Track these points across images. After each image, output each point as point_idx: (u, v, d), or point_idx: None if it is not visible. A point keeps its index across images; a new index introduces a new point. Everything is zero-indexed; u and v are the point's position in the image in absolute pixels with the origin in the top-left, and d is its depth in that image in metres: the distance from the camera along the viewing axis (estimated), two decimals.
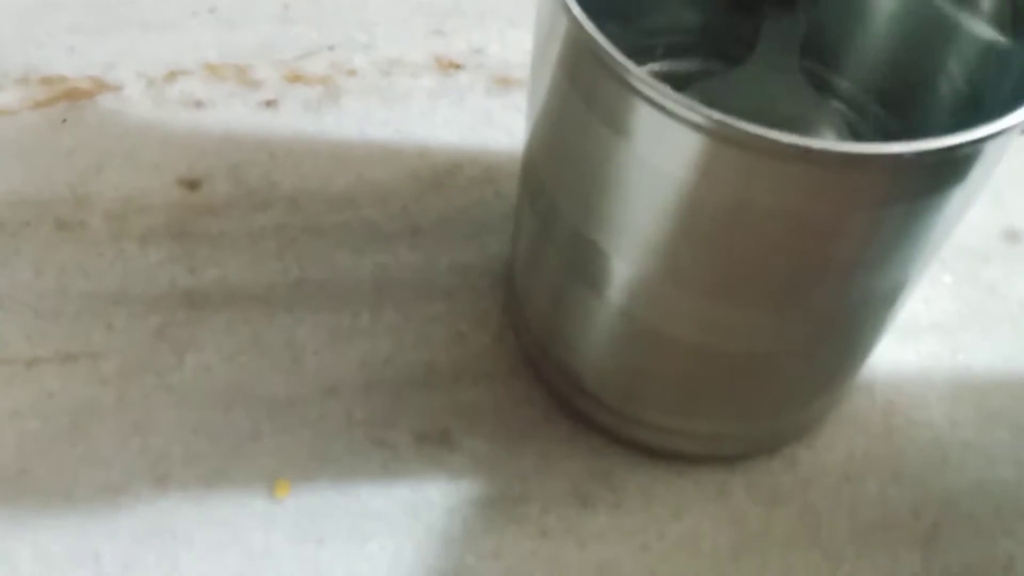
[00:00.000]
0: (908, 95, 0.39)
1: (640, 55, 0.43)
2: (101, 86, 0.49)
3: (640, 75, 0.30)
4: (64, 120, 0.48)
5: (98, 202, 0.46)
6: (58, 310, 0.43)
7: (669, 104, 0.30)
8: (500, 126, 0.49)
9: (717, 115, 0.29)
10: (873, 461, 0.43)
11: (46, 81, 0.49)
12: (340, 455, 0.41)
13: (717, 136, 0.30)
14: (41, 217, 0.45)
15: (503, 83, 0.50)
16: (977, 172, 0.32)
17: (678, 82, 0.43)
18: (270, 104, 0.49)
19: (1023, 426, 0.44)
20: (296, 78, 0.50)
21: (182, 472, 0.41)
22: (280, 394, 0.42)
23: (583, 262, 0.38)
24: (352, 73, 0.50)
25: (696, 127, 0.30)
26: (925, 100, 0.38)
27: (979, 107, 0.35)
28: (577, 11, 0.31)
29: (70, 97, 0.48)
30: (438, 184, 0.47)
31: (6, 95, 0.48)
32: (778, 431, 0.42)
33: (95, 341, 0.43)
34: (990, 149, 0.31)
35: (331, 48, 0.51)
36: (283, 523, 0.40)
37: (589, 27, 0.30)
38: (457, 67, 0.51)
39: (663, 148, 0.32)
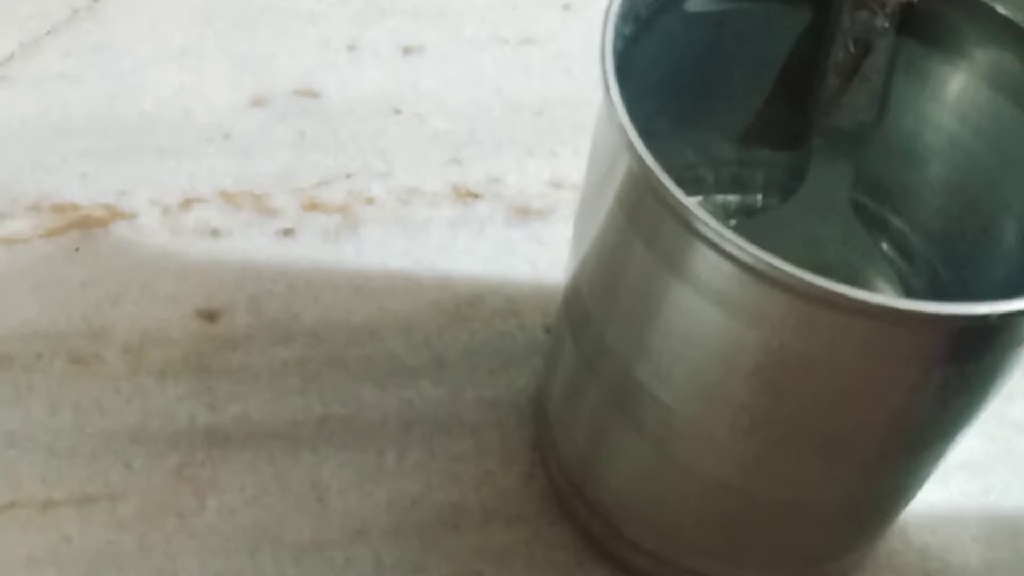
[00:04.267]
0: (962, 244, 0.39)
1: (686, 185, 0.43)
2: (115, 214, 0.48)
3: (704, 218, 0.29)
4: (77, 249, 0.47)
5: (114, 335, 0.44)
6: (74, 449, 0.42)
7: (733, 250, 0.29)
8: (521, 256, 0.49)
9: (781, 264, 0.28)
10: None
11: (58, 209, 0.47)
12: None
13: (778, 284, 0.29)
14: (55, 351, 0.44)
15: (522, 213, 0.50)
16: None
17: (724, 215, 0.44)
18: (288, 233, 0.48)
19: None
20: (313, 206, 0.49)
21: None
22: (306, 537, 0.41)
23: (628, 399, 0.37)
24: (370, 201, 0.49)
25: (758, 274, 0.29)
26: (979, 252, 0.39)
27: None
28: (642, 150, 0.30)
29: (83, 225, 0.47)
30: (461, 316, 0.47)
31: (17, 223, 0.47)
32: None
33: (113, 482, 0.41)
34: None
35: (348, 176, 0.50)
36: None
37: (654, 166, 0.30)
38: (475, 196, 0.50)
39: (722, 291, 0.31)
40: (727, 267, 0.30)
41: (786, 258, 0.38)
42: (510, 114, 0.53)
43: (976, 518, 0.44)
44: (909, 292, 0.41)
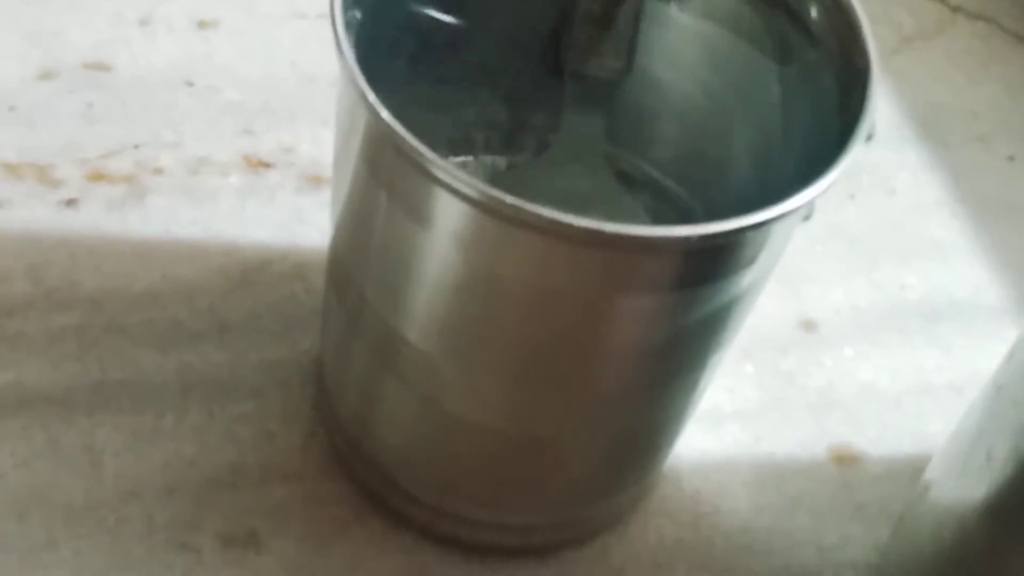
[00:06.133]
0: (707, 181, 0.41)
1: (461, 147, 0.44)
2: None
3: (437, 161, 0.30)
4: None
5: None
6: None
7: (466, 189, 0.30)
8: (311, 223, 0.49)
9: (511, 199, 0.29)
10: (682, 548, 0.43)
11: None
12: (140, 562, 0.40)
13: (511, 220, 0.30)
14: None
15: (314, 181, 0.50)
16: (763, 257, 0.33)
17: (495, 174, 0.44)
18: (71, 203, 0.48)
19: (822, 511, 0.45)
20: (99, 177, 0.49)
21: None
22: (78, 500, 0.41)
23: (390, 353, 0.37)
24: (158, 172, 0.49)
25: (491, 211, 0.30)
26: (721, 186, 0.40)
27: (767, 193, 0.36)
28: (374, 100, 0.31)
29: None
30: (247, 281, 0.47)
31: None
32: (589, 521, 0.43)
33: None
34: (769, 234, 0.33)
35: (136, 147, 0.50)
36: None
37: (386, 116, 0.31)
38: (267, 166, 0.50)
39: (462, 234, 0.32)
40: (462, 207, 0.31)
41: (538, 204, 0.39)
42: (305, 86, 0.54)
43: (747, 464, 0.46)
44: None
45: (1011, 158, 0.57)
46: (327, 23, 0.58)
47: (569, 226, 0.29)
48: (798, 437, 0.47)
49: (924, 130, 0.57)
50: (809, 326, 0.50)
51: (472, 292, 0.34)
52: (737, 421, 0.47)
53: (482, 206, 0.30)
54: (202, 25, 0.54)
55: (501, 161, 0.44)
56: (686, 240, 0.30)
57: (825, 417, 0.47)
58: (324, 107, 0.53)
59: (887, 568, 0.42)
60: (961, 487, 0.37)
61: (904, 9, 0.62)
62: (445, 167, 0.30)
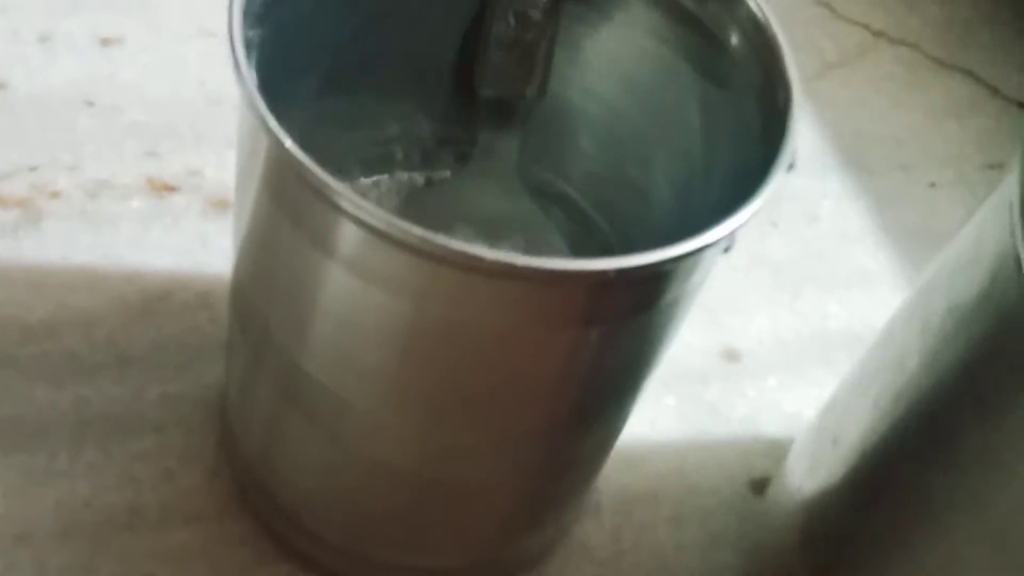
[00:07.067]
0: (625, 204, 0.40)
1: (378, 163, 0.42)
2: None
3: (344, 192, 0.28)
4: None
5: None
6: None
7: (374, 221, 0.28)
8: (217, 250, 0.47)
9: (419, 231, 0.28)
10: None
11: None
12: None
13: (421, 252, 0.29)
14: None
15: (221, 206, 0.48)
16: (683, 288, 0.32)
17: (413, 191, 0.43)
18: None
19: (747, 549, 0.44)
20: None
21: None
22: None
23: (295, 389, 0.36)
24: (55, 195, 0.47)
25: (399, 243, 0.29)
26: (639, 210, 0.39)
27: (687, 222, 0.35)
28: (275, 127, 0.29)
29: None
30: (148, 311, 0.45)
31: None
32: (506, 562, 0.41)
33: None
34: (687, 268, 0.31)
35: (32, 169, 0.47)
36: None
37: (289, 144, 0.29)
38: (171, 189, 0.48)
39: (370, 266, 0.30)
40: (369, 239, 0.29)
41: (454, 229, 0.38)
42: (212, 106, 0.52)
43: (670, 499, 0.44)
44: (579, 255, 0.41)
45: (933, 185, 0.57)
46: None
47: (481, 259, 0.28)
48: (721, 471, 0.45)
49: (847, 157, 0.57)
50: (732, 356, 0.49)
51: (381, 326, 0.32)
52: (659, 454, 0.45)
53: (390, 238, 0.29)
54: (105, 42, 0.52)
55: (419, 177, 0.42)
56: (603, 274, 0.28)
57: (749, 449, 0.46)
58: (232, 128, 0.51)
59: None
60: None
61: (826, 34, 0.62)
62: (352, 198, 0.28)
